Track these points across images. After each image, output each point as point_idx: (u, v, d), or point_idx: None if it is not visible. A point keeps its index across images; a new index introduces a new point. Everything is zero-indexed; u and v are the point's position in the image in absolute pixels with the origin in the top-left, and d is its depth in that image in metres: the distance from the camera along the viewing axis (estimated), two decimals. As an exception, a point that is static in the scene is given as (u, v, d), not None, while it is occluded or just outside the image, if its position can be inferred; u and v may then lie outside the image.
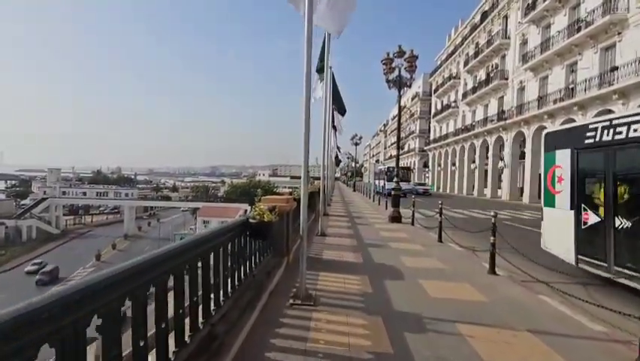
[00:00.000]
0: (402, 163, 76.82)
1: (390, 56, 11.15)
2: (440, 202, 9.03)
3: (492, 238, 5.41)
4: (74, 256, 52.77)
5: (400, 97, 11.60)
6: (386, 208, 16.54)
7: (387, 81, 11.49)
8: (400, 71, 11.40)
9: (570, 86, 21.95)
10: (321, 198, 8.45)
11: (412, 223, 10.93)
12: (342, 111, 12.30)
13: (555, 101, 23.27)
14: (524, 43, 28.46)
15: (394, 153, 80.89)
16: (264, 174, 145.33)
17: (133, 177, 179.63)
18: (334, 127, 21.88)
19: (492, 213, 5.83)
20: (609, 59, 19.75)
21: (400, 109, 12.00)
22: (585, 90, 20.21)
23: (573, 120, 22.15)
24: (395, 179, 11.56)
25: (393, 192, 11.44)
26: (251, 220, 3.52)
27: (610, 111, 19.27)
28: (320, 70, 8.96)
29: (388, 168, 27.95)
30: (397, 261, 6.01)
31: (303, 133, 4.13)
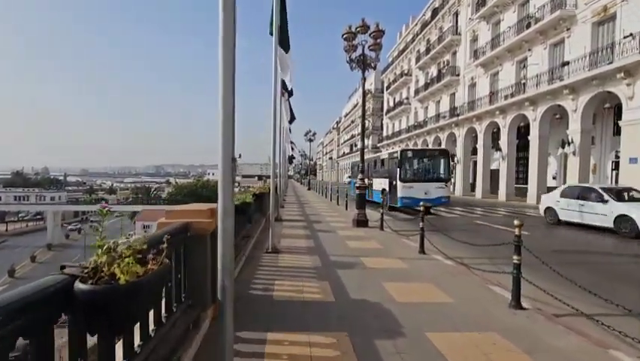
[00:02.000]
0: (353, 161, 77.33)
1: (353, 29, 9.39)
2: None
3: (515, 257, 3.80)
4: (-19, 272, 44.61)
5: (364, 79, 9.92)
6: (346, 209, 14.92)
7: (350, 61, 9.73)
8: (363, 50, 9.69)
9: (522, 82, 22.13)
10: (271, 200, 6.39)
11: (381, 227, 9.31)
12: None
13: (506, 97, 23.44)
14: (475, 39, 28.69)
15: (347, 150, 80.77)
16: (213, 173, 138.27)
17: (61, 178, 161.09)
18: (291, 121, 19.88)
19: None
20: (558, 55, 20.05)
21: (365, 93, 10.35)
22: (536, 85, 20.37)
23: (524, 116, 22.47)
24: (360, 175, 9.87)
25: (358, 191, 9.73)
26: (81, 288, 1.36)
27: (560, 107, 19.62)
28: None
29: (391, 155, 15.85)
30: (381, 293, 4.21)
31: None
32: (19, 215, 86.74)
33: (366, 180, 10.26)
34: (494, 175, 27.81)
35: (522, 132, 23.66)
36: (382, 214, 9.33)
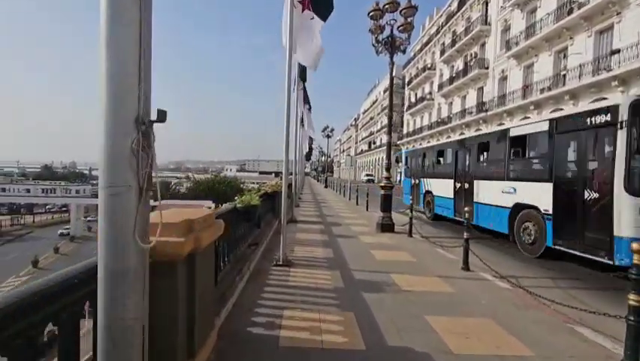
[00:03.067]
0: (372, 159, 75.48)
1: (380, 6, 8.18)
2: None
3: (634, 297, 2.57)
4: (6, 262, 45.94)
5: (392, 64, 8.71)
6: (367, 209, 13.74)
7: (376, 42, 8.53)
8: (392, 30, 8.48)
9: (562, 73, 20.22)
10: (283, 203, 5.31)
11: (410, 233, 8.11)
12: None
13: (542, 90, 21.55)
14: (507, 29, 26.71)
15: (365, 148, 79.13)
16: (231, 170, 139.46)
17: (87, 172, 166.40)
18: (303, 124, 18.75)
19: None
20: (606, 43, 18.09)
21: (392, 80, 9.13)
22: (579, 77, 18.47)
23: (562, 110, 20.53)
24: (385, 174, 8.68)
25: (383, 191, 8.55)
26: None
27: (604, 99, 17.67)
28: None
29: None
30: (428, 335, 3.07)
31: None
32: (46, 207, 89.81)
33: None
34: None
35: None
36: (411, 219, 8.12)
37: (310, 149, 31.01)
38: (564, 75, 19.83)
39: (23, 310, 1.22)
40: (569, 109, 19.58)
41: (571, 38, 19.87)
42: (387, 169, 8.75)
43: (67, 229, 62.97)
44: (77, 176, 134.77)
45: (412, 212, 8.12)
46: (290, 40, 5.13)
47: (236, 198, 4.33)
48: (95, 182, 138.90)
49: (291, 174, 13.31)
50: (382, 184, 8.61)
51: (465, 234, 5.42)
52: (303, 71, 10.84)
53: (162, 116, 1.45)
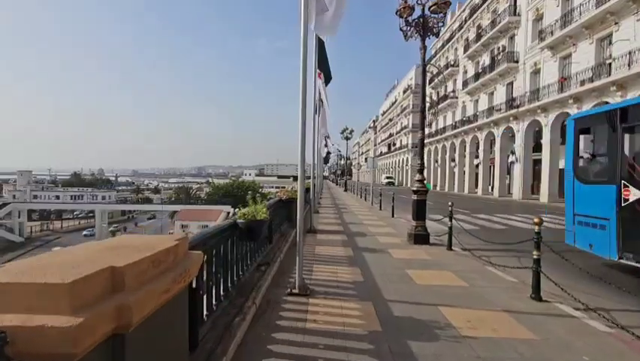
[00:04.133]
0: (391, 161, 73.46)
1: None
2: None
3: None
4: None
5: (424, 48, 7.51)
6: (392, 215, 12.50)
7: (406, 25, 7.38)
8: (423, 10, 7.31)
9: (608, 62, 18.30)
10: (299, 214, 4.22)
11: (449, 246, 6.86)
12: (328, 79, 8.42)
13: (583, 82, 19.64)
14: (539, 19, 24.83)
15: (385, 150, 77.28)
16: (250, 174, 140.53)
17: (113, 178, 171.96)
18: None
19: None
20: (659, 26, 16.17)
21: (425, 67, 7.95)
22: (628, 65, 16.56)
23: (607, 103, 18.60)
24: (417, 175, 7.46)
25: (416, 196, 7.32)
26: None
27: (661, 90, 15.72)
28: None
29: None
30: None
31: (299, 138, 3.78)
32: (75, 213, 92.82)
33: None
34: (562, 176, 23.84)
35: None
36: (451, 228, 6.85)
37: (328, 153, 29.86)
38: (609, 64, 17.91)
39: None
40: (615, 101, 17.72)
41: (616, 23, 17.95)
42: (420, 171, 7.53)
43: (89, 230, 66.33)
44: (104, 182, 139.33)
45: (451, 220, 6.86)
46: (305, 18, 4.09)
47: (236, 210, 3.31)
48: (121, 187, 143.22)
49: (309, 177, 12.29)
50: (415, 188, 7.39)
51: (534, 252, 4.16)
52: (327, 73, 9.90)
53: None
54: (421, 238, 7.29)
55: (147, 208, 79.98)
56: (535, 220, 4.20)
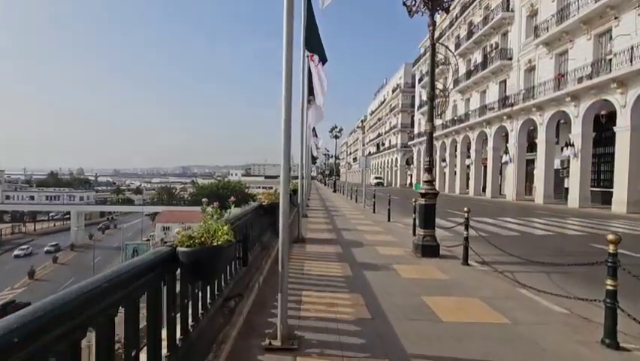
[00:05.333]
0: (380, 161, 72.54)
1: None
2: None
3: None
4: (3, 273, 44.15)
5: (433, 24, 6.37)
6: (389, 220, 11.33)
7: (410, -4, 6.18)
8: (432, -21, 6.13)
9: (608, 58, 17.63)
10: (281, 227, 2.96)
11: (465, 260, 5.69)
12: (323, 60, 7.18)
13: (580, 80, 18.97)
14: (533, 15, 24.20)
15: (373, 150, 76.59)
16: (236, 174, 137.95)
17: (93, 178, 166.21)
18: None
19: None
20: (662, 20, 15.55)
21: (434, 46, 6.82)
22: (630, 61, 15.87)
23: (605, 102, 17.98)
24: (425, 175, 6.29)
25: (425, 200, 6.13)
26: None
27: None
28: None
29: None
30: None
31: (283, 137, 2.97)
32: (50, 215, 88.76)
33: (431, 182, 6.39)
34: (557, 176, 23.27)
35: (601, 123, 19.10)
36: (467, 239, 5.68)
37: (314, 156, 28.51)
38: (610, 60, 17.24)
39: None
40: (615, 99, 17.07)
41: (616, 18, 17.29)
42: (429, 170, 6.34)
43: (23, 248, 52.51)
44: (82, 182, 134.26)
45: (467, 229, 5.68)
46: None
47: (177, 231, 2.02)
48: (100, 188, 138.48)
49: (297, 178, 11.07)
50: (423, 190, 6.20)
51: (609, 282, 3.00)
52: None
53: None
54: (429, 249, 6.11)
55: (127, 210, 77.04)
56: (610, 238, 3.03)
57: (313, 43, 7.02)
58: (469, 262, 5.72)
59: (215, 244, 1.96)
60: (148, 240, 52.83)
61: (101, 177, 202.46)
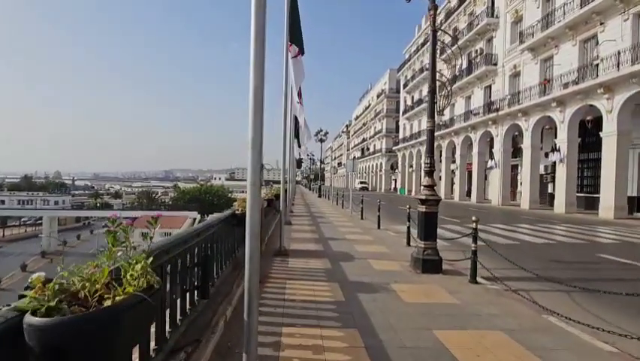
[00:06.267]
0: (365, 165, 72.15)
1: None
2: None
3: None
4: (-35, 283, 40.94)
5: (435, 8, 5.70)
6: (379, 227, 10.57)
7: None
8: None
9: (594, 63, 17.58)
10: (248, 241, 2.14)
11: (473, 276, 4.94)
12: (301, 51, 6.47)
13: (566, 85, 18.92)
14: (518, 20, 24.26)
15: (358, 155, 76.30)
16: (219, 178, 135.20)
17: (70, 181, 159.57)
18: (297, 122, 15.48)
19: None
20: (648, 26, 15.57)
21: (435, 34, 6.16)
22: (617, 66, 15.81)
23: (591, 107, 17.92)
24: (426, 179, 5.54)
25: (425, 208, 5.38)
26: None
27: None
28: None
29: None
30: None
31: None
32: (22, 220, 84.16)
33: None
34: (540, 182, 23.20)
35: (586, 129, 19.06)
36: (475, 252, 4.94)
37: (300, 159, 27.52)
38: (596, 66, 17.18)
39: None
40: (601, 104, 16.98)
41: (602, 24, 17.31)
42: (430, 173, 5.60)
43: None
44: (58, 186, 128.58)
45: (475, 241, 4.95)
46: None
47: (33, 278, 1.14)
48: (78, 192, 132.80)
49: (279, 182, 10.21)
50: (423, 197, 5.44)
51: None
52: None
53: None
54: (431, 264, 5.35)
55: (104, 214, 73.71)
56: None
57: (295, 33, 6.26)
58: (479, 278, 4.98)
59: (107, 304, 1.06)
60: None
61: (80, 180, 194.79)
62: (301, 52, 6.46)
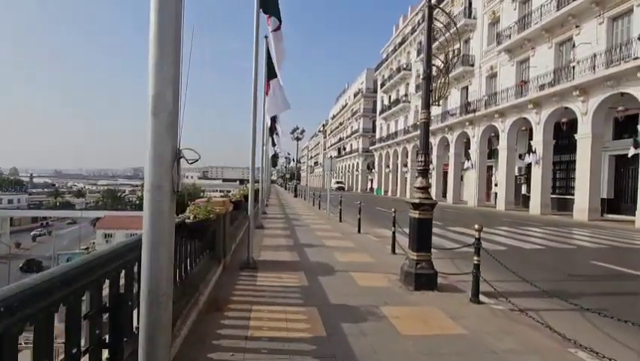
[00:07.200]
0: (341, 165, 71.77)
1: None
2: None
3: None
4: None
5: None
6: (359, 231, 9.78)
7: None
8: None
9: (569, 66, 17.70)
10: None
11: (476, 296, 4.19)
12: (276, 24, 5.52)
13: (542, 87, 19.02)
14: (495, 22, 24.37)
15: (335, 154, 75.84)
16: (191, 177, 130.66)
17: (27, 179, 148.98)
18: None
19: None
20: (622, 30, 15.75)
21: (431, 12, 5.39)
22: (592, 69, 15.92)
23: (567, 109, 18.07)
24: (420, 180, 4.77)
25: (418, 213, 4.61)
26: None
27: (624, 95, 15.20)
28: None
29: None
30: None
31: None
32: (-30, 220, 77.30)
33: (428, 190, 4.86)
34: (516, 183, 23.42)
35: (562, 131, 19.24)
36: (478, 267, 4.21)
37: (275, 157, 26.36)
38: (573, 68, 17.29)
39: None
40: (576, 106, 17.09)
41: (577, 27, 17.45)
42: (424, 173, 4.82)
43: None
44: (12, 183, 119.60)
45: (478, 254, 4.22)
46: None
47: None
48: (36, 190, 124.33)
49: (257, 181, 9.22)
50: (416, 200, 4.64)
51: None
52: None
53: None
54: (426, 279, 4.56)
55: (63, 214, 69.16)
56: None
57: (270, 3, 5.30)
58: (482, 297, 4.25)
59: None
60: (87, 248, 47.13)
61: (39, 177, 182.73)
62: (279, 22, 5.49)
